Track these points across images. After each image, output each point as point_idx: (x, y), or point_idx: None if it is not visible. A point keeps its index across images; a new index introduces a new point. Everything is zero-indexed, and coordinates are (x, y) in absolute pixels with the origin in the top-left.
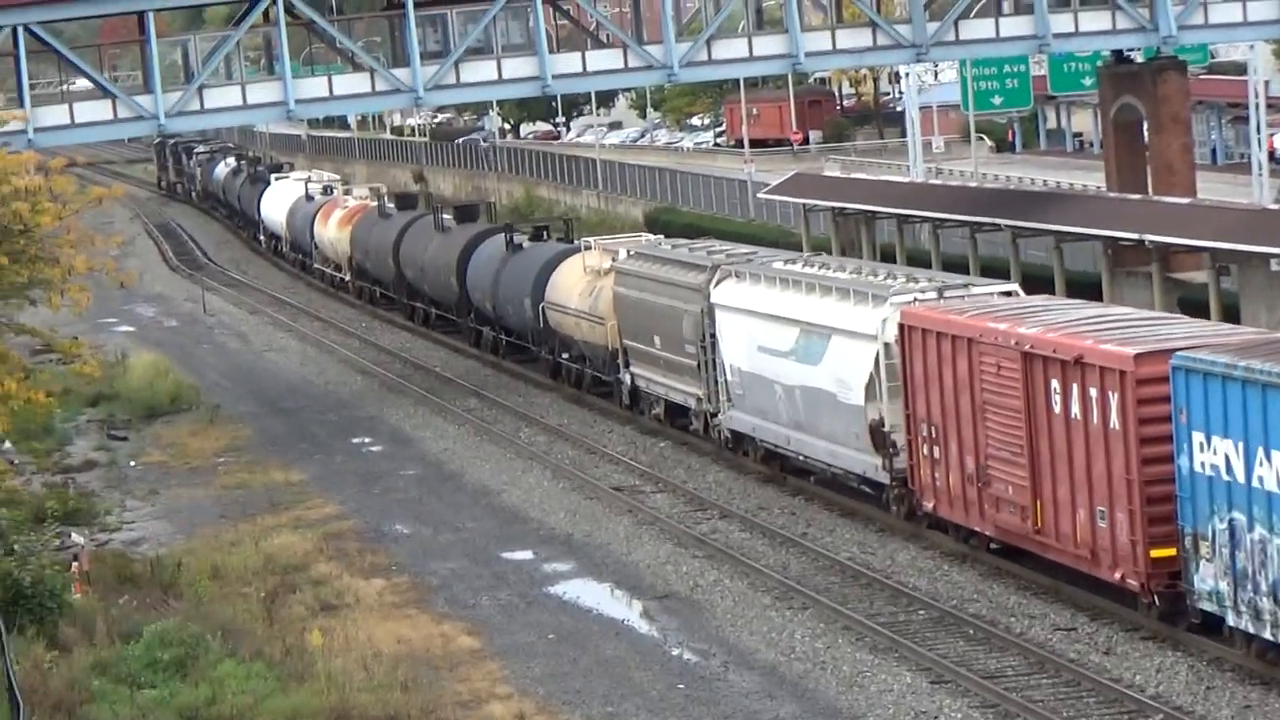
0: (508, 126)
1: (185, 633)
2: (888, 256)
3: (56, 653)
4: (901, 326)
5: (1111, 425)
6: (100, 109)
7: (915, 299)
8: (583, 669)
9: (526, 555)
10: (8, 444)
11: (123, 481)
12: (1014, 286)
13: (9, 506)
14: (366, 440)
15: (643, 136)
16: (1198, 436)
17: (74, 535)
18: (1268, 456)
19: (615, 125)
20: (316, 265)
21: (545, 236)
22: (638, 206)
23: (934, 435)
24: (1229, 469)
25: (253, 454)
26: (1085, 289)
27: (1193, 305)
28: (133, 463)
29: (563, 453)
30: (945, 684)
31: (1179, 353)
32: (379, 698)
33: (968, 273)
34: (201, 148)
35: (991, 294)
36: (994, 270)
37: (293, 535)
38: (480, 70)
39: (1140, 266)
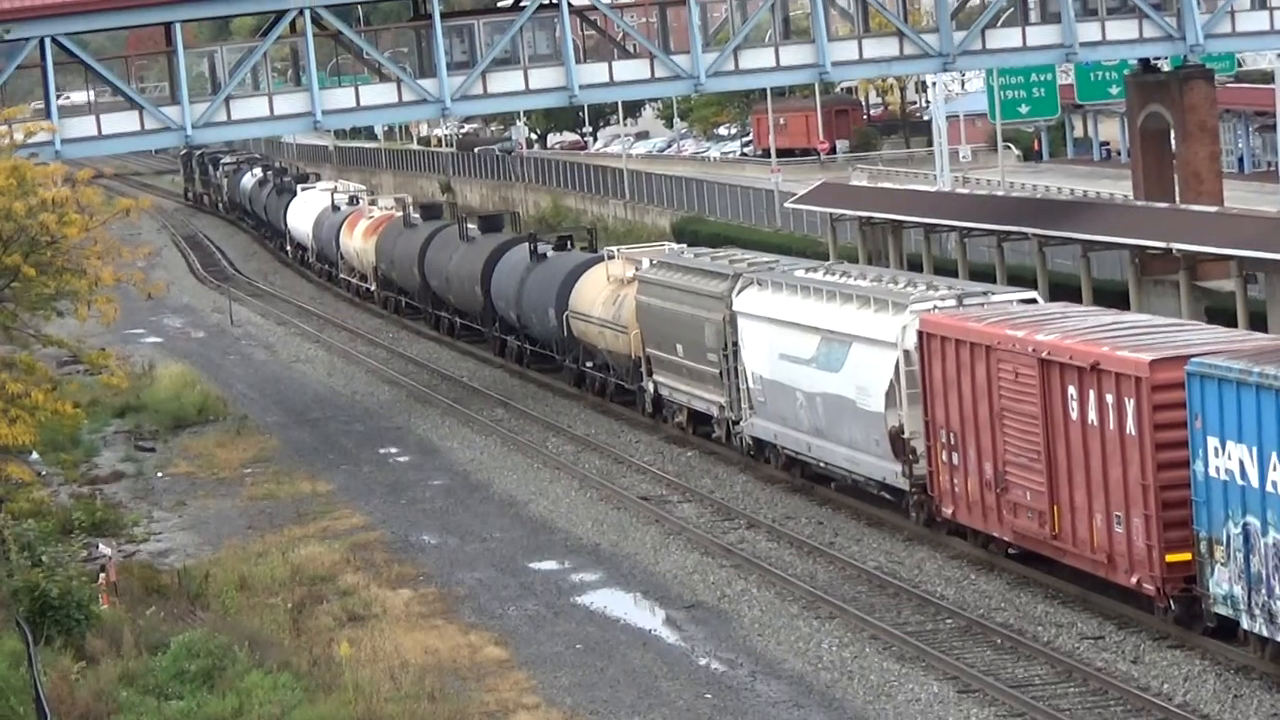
0: (535, 137)
1: (212, 643)
2: (915, 265)
3: (84, 664)
4: (921, 334)
5: (1128, 431)
6: (127, 120)
7: (935, 306)
8: (610, 679)
9: (554, 565)
10: (35, 455)
11: (150, 492)
12: (1033, 294)
13: (37, 517)
14: (394, 450)
15: (670, 146)
16: (1212, 442)
17: (101, 546)
18: None
19: (642, 135)
20: (342, 275)
21: (569, 246)
22: (665, 216)
23: (953, 442)
24: (1243, 474)
25: (280, 465)
26: (1113, 298)
27: (1220, 313)
28: (160, 474)
29: (590, 462)
30: (973, 693)
31: (1194, 359)
32: (406, 708)
33: (995, 281)
34: (228, 158)
35: (1010, 301)
36: (1021, 279)
37: (320, 546)
38: (507, 80)
39: (1168, 275)
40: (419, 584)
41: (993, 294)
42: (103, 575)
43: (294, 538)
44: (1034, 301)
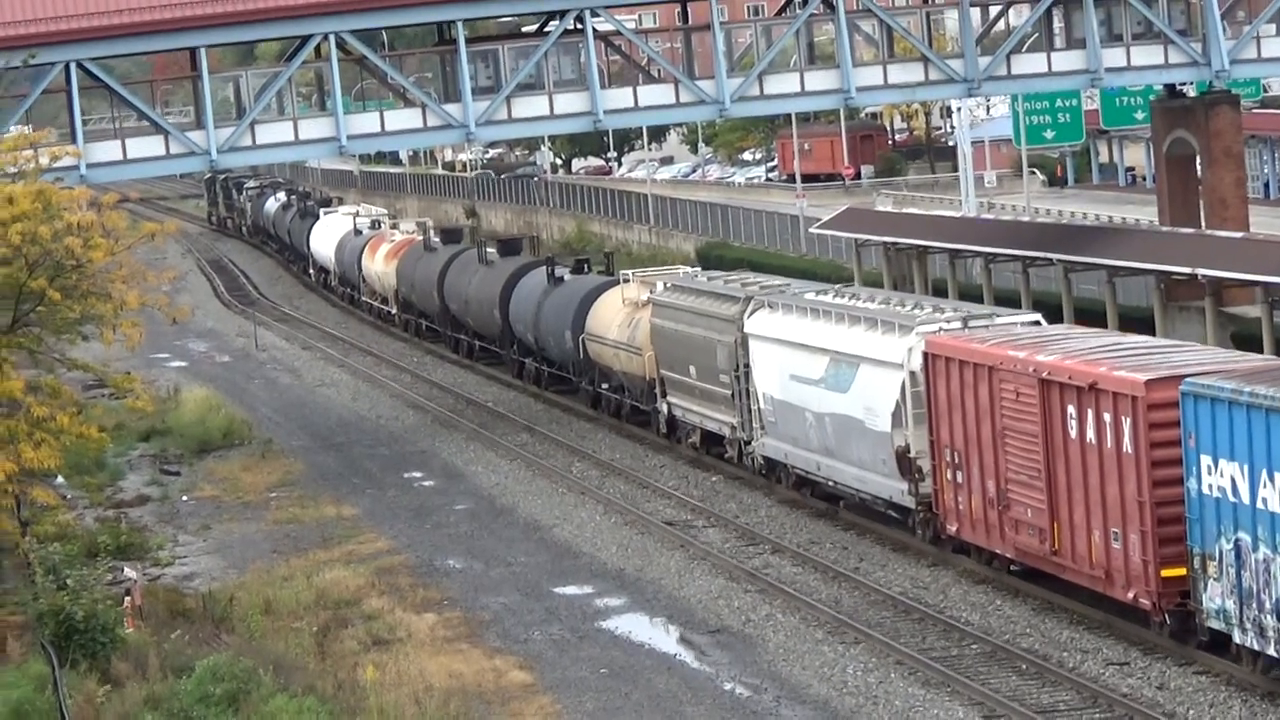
0: (559, 162)
1: (237, 667)
2: (940, 291)
3: (109, 687)
4: (926, 355)
5: (1124, 449)
6: (153, 145)
7: (940, 328)
8: (634, 704)
9: (579, 590)
10: (60, 479)
11: (175, 516)
12: (1037, 316)
13: (62, 541)
14: (418, 475)
15: (694, 171)
16: (1205, 460)
17: (126, 570)
18: (1271, 479)
19: (667, 160)
20: (364, 298)
21: (586, 269)
22: (689, 241)
23: (957, 460)
24: (1235, 491)
25: (305, 489)
26: (1138, 323)
27: (1246, 339)
28: (185, 497)
29: (614, 487)
30: (998, 719)
31: (1188, 379)
32: None
33: (1020, 307)
34: (252, 183)
35: (1015, 324)
36: (1047, 305)
37: (345, 570)
38: (532, 105)
39: (1193, 300)
40: (444, 608)
41: (998, 316)
42: (128, 599)
43: (319, 562)
44: (1038, 324)
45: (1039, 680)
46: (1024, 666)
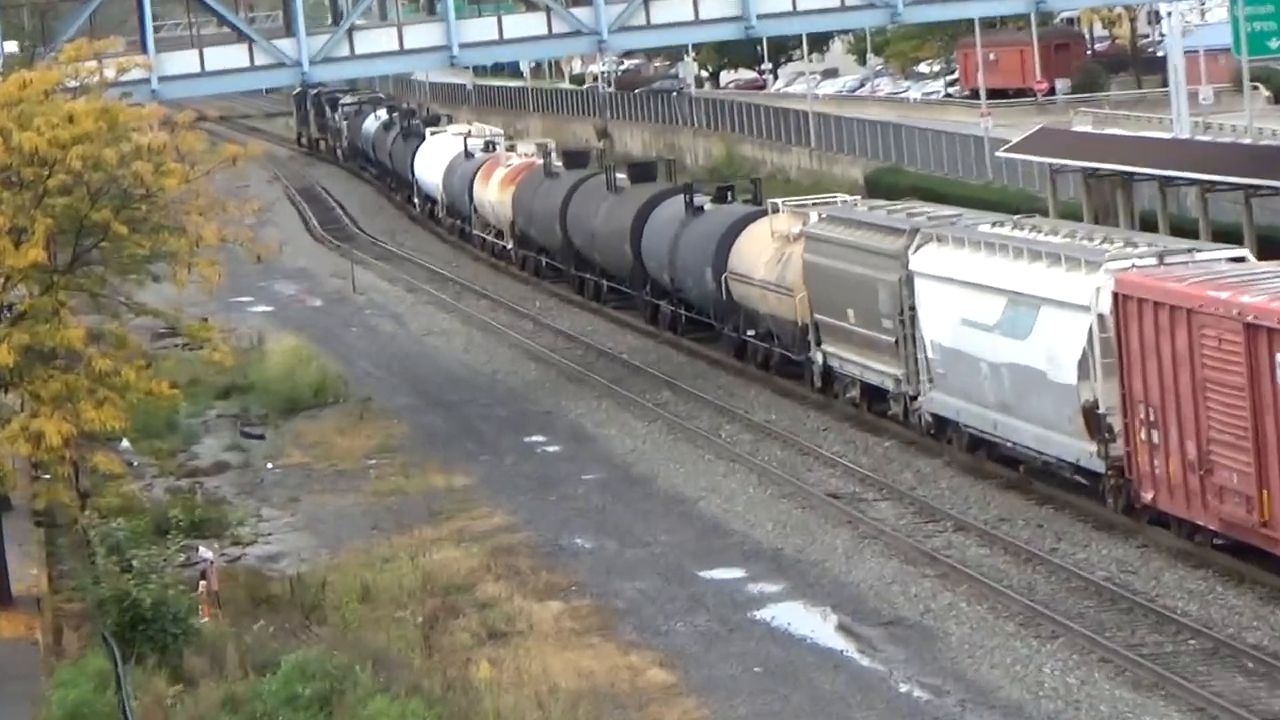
0: (705, 74)
1: (330, 664)
2: (1148, 224)
3: (180, 686)
4: (1116, 296)
5: None
6: (235, 55)
7: (1133, 265)
8: (794, 708)
9: (728, 574)
10: (126, 443)
11: (258, 487)
12: (1243, 252)
13: (127, 515)
14: (541, 439)
15: (862, 86)
16: None
17: (201, 549)
18: None
19: (830, 73)
20: (476, 232)
21: (730, 198)
22: (856, 166)
23: (1152, 418)
24: None
25: (409, 455)
26: None
27: None
28: (270, 465)
29: (770, 453)
30: None
31: None
32: None
33: (1241, 244)
34: (348, 99)
35: (1218, 260)
36: (1273, 240)
37: (455, 550)
38: (673, 9)
39: None
40: (571, 595)
41: (1198, 251)
42: (203, 583)
43: (425, 540)
44: (1244, 260)
45: (1267, 682)
46: (1250, 665)
